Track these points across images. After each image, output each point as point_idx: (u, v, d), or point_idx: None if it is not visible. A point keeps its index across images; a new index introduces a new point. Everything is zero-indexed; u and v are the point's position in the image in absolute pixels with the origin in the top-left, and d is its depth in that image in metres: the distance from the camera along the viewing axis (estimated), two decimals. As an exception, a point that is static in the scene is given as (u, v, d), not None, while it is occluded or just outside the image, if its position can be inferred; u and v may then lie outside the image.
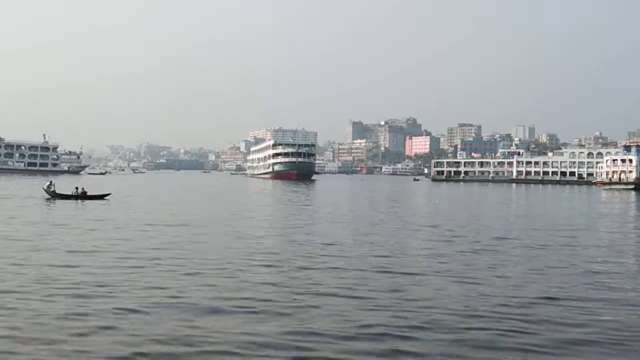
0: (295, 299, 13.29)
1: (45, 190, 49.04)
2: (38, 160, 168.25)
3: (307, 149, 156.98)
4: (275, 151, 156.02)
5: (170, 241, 22.65)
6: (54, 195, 48.07)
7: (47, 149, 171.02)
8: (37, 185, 68.90)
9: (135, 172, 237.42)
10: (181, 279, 15.31)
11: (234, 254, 19.73)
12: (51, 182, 50.73)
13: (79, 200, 46.18)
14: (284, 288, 14.47)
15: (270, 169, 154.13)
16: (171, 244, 21.74)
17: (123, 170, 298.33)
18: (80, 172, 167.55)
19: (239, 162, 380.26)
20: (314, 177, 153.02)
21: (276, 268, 17.36)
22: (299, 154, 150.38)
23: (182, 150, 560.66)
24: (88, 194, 48.15)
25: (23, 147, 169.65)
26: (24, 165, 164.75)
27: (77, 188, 48.64)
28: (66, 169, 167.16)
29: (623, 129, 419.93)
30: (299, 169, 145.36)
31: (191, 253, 19.66)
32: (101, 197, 49.01)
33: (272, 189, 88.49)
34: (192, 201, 54.21)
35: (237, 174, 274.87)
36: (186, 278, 15.45)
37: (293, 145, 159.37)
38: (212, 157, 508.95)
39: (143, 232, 26.06)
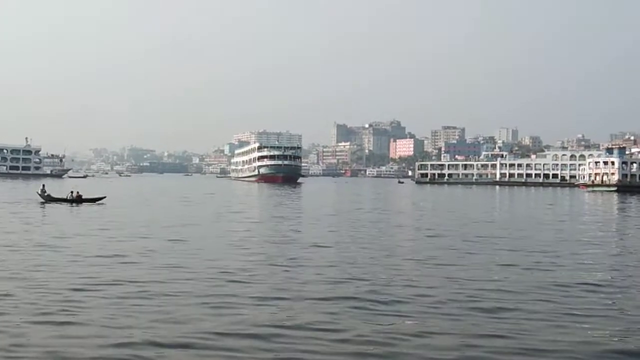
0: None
1: (40, 195, 48.34)
2: (20, 164, 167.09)
3: (293, 151, 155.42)
4: (260, 154, 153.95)
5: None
6: (49, 199, 47.52)
7: (29, 152, 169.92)
8: (22, 188, 68.40)
9: (121, 176, 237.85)
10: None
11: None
12: (44, 185, 50.12)
13: (74, 204, 45.68)
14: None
15: (256, 172, 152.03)
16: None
17: (107, 173, 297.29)
18: (63, 176, 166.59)
19: (223, 165, 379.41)
20: (300, 180, 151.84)
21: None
22: (285, 157, 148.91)
23: (165, 154, 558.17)
24: (83, 197, 47.78)
25: (5, 151, 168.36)
26: (6, 169, 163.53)
27: (72, 192, 48.18)
28: (49, 172, 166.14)
29: (605, 131, 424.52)
30: (285, 171, 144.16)
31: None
32: (96, 200, 48.63)
33: (259, 192, 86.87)
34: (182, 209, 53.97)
35: (223, 177, 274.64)
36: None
37: (279, 147, 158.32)
38: (196, 160, 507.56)
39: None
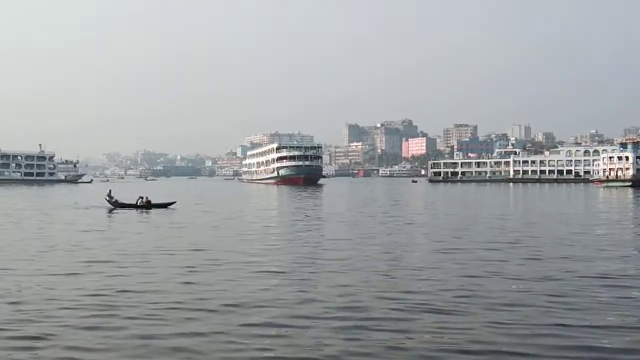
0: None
1: (108, 201, 47.52)
2: (35, 170, 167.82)
3: (314, 151, 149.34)
4: (280, 155, 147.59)
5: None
6: (117, 205, 46.70)
7: (43, 158, 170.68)
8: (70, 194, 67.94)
9: (147, 180, 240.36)
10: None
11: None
12: (111, 191, 49.29)
13: (145, 210, 44.88)
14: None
15: (275, 174, 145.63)
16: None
17: (122, 178, 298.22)
18: (78, 181, 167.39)
19: (236, 168, 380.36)
20: (321, 181, 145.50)
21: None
22: (306, 157, 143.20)
23: (179, 157, 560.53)
24: (152, 203, 47.12)
25: (20, 158, 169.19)
26: (21, 176, 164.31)
27: (142, 197, 47.21)
28: (63, 178, 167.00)
29: (619, 126, 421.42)
30: (307, 173, 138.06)
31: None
32: (166, 205, 47.86)
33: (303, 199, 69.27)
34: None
35: (234, 179, 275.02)
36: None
37: (299, 148, 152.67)
38: (209, 163, 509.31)
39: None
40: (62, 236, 27.60)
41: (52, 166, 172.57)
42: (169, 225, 33.41)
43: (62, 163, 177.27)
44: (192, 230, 30.41)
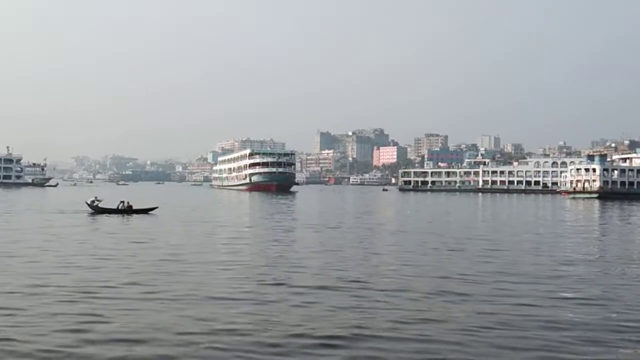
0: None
1: (89, 205, 47.08)
2: (1, 173, 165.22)
3: (287, 158, 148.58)
4: (252, 161, 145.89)
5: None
6: (98, 210, 46.25)
7: (10, 161, 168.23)
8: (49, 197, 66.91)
9: (118, 184, 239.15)
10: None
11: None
12: (96, 197, 48.52)
13: (125, 215, 44.84)
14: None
15: (247, 180, 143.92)
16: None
17: (91, 182, 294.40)
18: (45, 185, 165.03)
19: (206, 174, 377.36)
20: (292, 188, 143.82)
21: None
22: (278, 164, 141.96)
23: (148, 162, 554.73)
24: (134, 208, 47.00)
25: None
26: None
27: (122, 202, 47.19)
28: (30, 181, 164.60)
29: (586, 138, 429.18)
30: (279, 180, 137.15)
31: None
32: (148, 210, 47.87)
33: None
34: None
35: (201, 184, 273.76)
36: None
37: (272, 154, 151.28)
38: (179, 169, 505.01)
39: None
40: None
41: (19, 169, 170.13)
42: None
43: (29, 166, 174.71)
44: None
